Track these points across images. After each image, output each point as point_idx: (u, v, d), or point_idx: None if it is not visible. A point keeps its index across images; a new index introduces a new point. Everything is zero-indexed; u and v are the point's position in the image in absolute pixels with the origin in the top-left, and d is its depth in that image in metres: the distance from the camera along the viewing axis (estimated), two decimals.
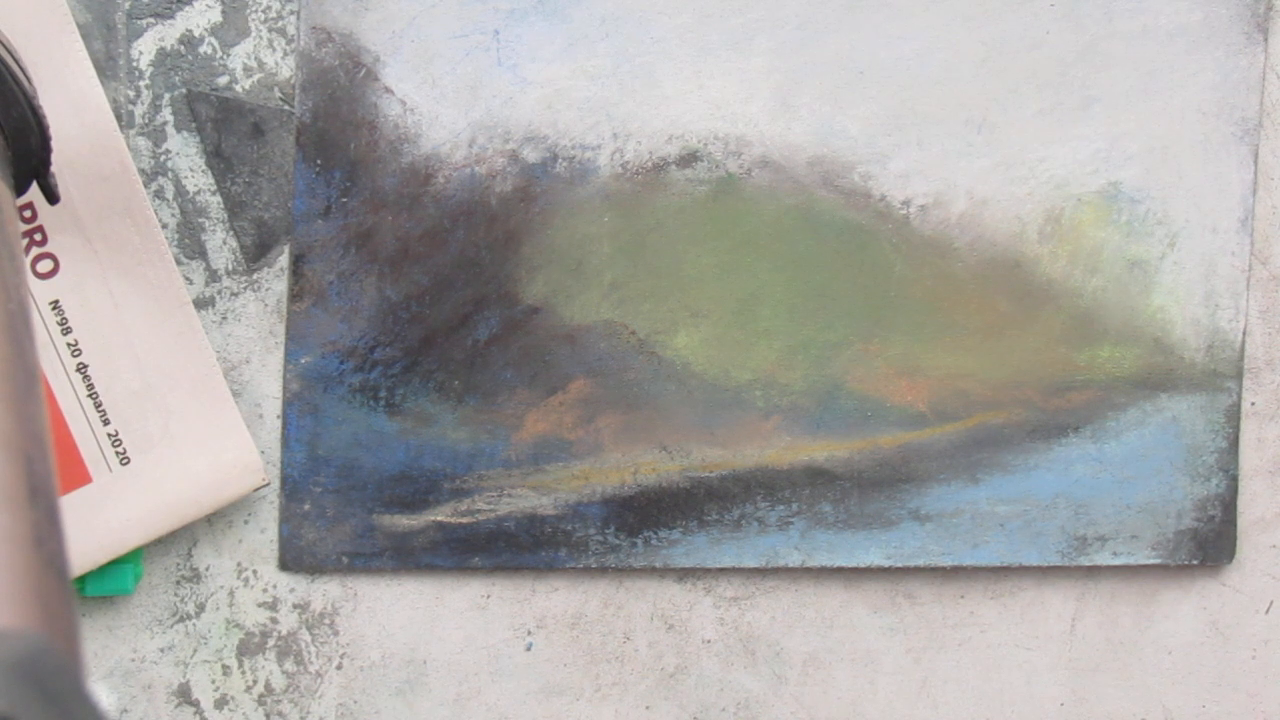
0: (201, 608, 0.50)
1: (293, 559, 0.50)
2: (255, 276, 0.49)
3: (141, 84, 0.47)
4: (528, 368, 0.50)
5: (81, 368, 0.46)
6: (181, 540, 0.49)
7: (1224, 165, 0.52)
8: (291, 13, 0.48)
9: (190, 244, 0.48)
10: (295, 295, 0.49)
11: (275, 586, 0.50)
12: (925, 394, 0.52)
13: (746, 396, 0.51)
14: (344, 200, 0.48)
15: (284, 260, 0.49)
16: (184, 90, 0.47)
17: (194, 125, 0.48)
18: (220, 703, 0.50)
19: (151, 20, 0.47)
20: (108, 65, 0.47)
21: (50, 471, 0.27)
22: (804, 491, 0.52)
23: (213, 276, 0.48)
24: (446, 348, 0.49)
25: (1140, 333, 0.53)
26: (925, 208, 0.51)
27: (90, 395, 0.46)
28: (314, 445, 0.49)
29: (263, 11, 0.48)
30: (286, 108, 0.48)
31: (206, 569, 0.50)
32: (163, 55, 0.47)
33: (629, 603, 0.52)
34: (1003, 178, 0.51)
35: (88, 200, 0.45)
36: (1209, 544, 0.54)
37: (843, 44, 0.50)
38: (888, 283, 0.51)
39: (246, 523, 0.50)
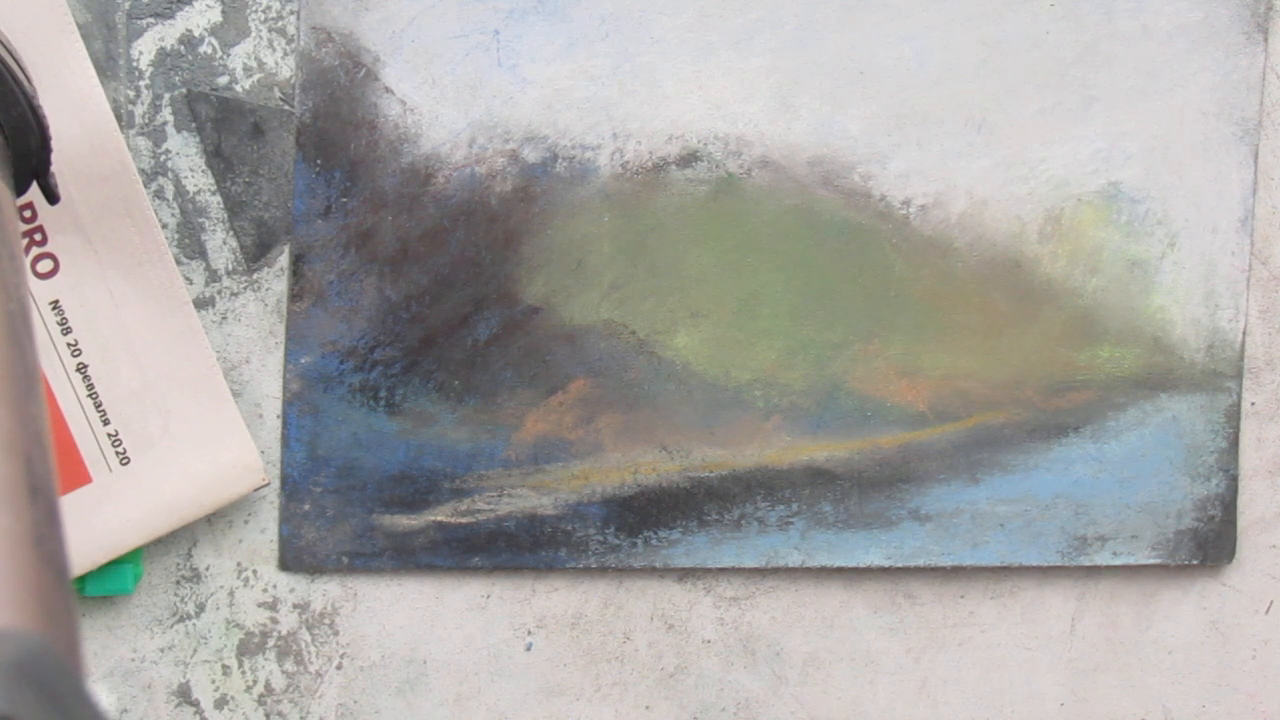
0: (201, 608, 0.50)
1: (293, 559, 0.50)
2: (255, 276, 0.49)
3: (141, 84, 0.47)
4: (528, 368, 0.50)
5: (81, 368, 0.46)
6: (181, 540, 0.49)
7: (1224, 165, 0.52)
8: (291, 13, 0.48)
9: (190, 244, 0.48)
10: (295, 295, 0.49)
11: (275, 586, 0.50)
12: (925, 394, 0.52)
13: (746, 396, 0.51)
14: (344, 200, 0.48)
15: (284, 260, 0.49)
16: (184, 90, 0.47)
17: (194, 125, 0.48)
18: (220, 703, 0.50)
19: (151, 20, 0.47)
20: (108, 65, 0.47)
21: (50, 471, 0.27)
22: (804, 491, 0.52)
23: (213, 276, 0.48)
24: (446, 348, 0.49)
25: (1140, 333, 0.53)
26: (925, 208, 0.51)
27: (90, 395, 0.46)
28: (314, 445, 0.49)
29: (263, 11, 0.48)
30: (286, 108, 0.48)
31: (206, 569, 0.50)
32: (163, 55, 0.47)
33: (629, 603, 0.52)
34: (1003, 178, 0.51)
35: (88, 200, 0.45)
36: (1209, 544, 0.54)
37: (843, 44, 0.50)
38: (888, 283, 0.51)
39: (246, 523, 0.50)
